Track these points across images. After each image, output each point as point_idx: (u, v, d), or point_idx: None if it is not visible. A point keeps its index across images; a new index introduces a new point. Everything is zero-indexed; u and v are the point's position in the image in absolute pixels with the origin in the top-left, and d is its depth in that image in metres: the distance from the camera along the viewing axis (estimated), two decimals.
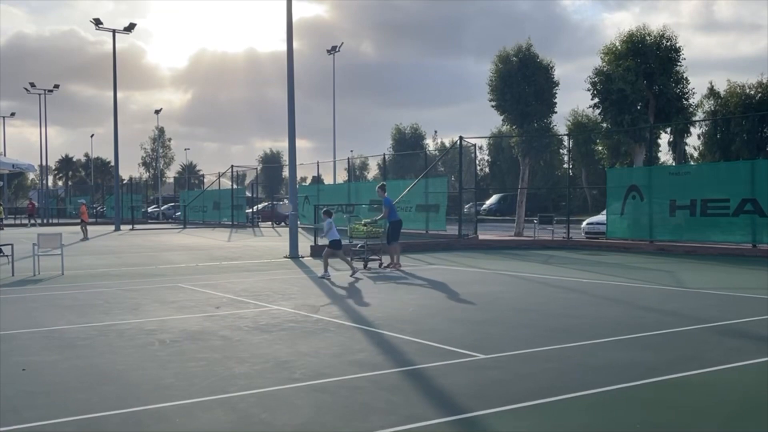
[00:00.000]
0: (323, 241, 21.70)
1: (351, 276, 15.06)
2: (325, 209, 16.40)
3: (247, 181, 51.54)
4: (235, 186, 46.69)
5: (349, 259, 15.83)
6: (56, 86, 65.42)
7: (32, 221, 49.50)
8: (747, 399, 5.77)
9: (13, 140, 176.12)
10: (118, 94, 44.13)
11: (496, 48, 40.98)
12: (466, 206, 29.88)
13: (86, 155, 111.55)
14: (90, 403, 5.76)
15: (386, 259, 17.37)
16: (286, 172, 43.50)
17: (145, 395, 5.98)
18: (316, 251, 20.99)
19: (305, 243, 22.13)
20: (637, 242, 22.08)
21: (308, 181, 75.31)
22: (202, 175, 67.62)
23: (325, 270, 14.92)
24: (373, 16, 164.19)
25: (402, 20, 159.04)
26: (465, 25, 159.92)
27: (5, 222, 49.40)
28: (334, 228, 15.41)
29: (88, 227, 34.95)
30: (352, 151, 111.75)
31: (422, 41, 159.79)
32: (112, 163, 48.25)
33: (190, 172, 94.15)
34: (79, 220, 35.95)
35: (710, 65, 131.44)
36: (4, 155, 49.31)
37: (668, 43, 27.65)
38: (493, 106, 29.93)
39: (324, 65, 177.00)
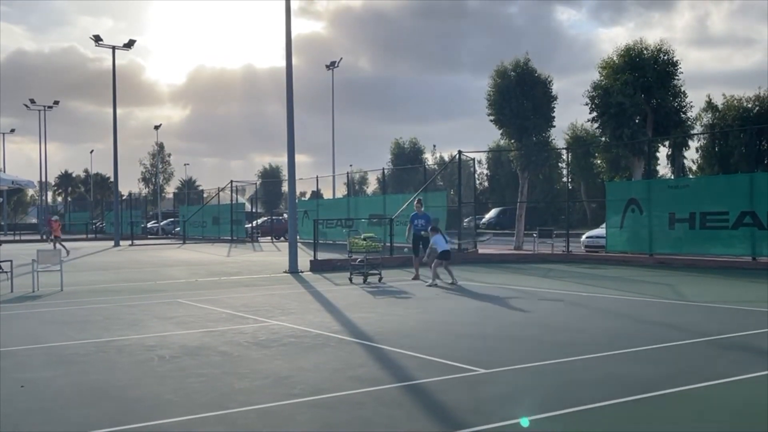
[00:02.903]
0: (322, 256, 21.77)
1: (451, 284, 15.97)
2: (431, 227, 17.45)
3: (247, 196, 51.56)
4: (234, 201, 46.71)
5: (449, 270, 16.62)
6: (56, 102, 65.70)
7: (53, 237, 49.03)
8: (748, 413, 5.75)
9: (13, 156, 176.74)
10: (118, 110, 44.28)
11: (493, 63, 41.21)
12: (466, 220, 29.85)
13: (86, 171, 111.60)
14: (89, 420, 5.74)
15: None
16: (285, 187, 43.55)
17: (144, 411, 5.96)
18: (315, 266, 20.99)
19: (305, 258, 22.10)
20: (636, 255, 22.07)
21: (308, 195, 75.32)
22: (202, 191, 67.65)
23: (452, 277, 16.30)
24: (370, 33, 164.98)
25: (399, 36, 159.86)
26: (461, 41, 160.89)
27: (4, 239, 49.35)
28: (440, 241, 16.68)
29: (66, 243, 33.30)
30: (351, 165, 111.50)
31: (419, 57, 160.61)
32: (112, 179, 48.29)
33: (189, 187, 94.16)
34: (51, 237, 33.28)
35: (705, 79, 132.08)
36: (4, 171, 49.28)
37: (665, 57, 27.81)
38: (491, 121, 30.05)
39: (322, 81, 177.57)
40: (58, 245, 30.55)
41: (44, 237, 47.79)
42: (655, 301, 12.91)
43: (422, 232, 17.93)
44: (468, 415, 5.67)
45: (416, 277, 17.56)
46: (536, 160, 30.50)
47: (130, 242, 42.93)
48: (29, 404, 6.29)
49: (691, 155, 43.74)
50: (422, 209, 18.86)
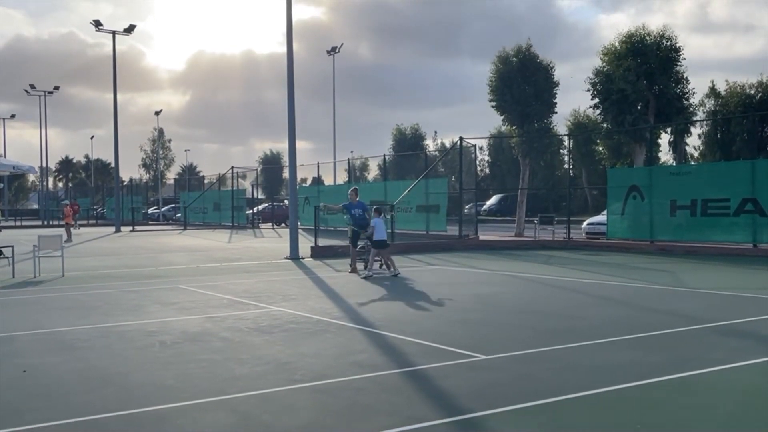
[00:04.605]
0: (323, 242, 21.77)
1: (349, 273, 15.05)
2: (375, 207, 16.23)
3: (248, 182, 51.53)
4: (235, 187, 46.68)
5: (384, 259, 15.80)
6: (56, 88, 65.51)
7: (75, 222, 48.79)
8: (748, 399, 5.76)
9: (14, 142, 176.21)
10: (118, 96, 44.14)
11: (493, 50, 40.90)
12: (467, 207, 29.83)
13: (86, 157, 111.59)
14: (91, 405, 5.75)
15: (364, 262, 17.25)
16: (286, 173, 43.55)
17: (145, 397, 5.98)
18: (316, 252, 21.00)
19: (305, 244, 22.12)
20: (637, 242, 22.07)
21: (308, 182, 75.35)
22: (203, 177, 67.60)
23: (370, 269, 15.19)
24: (370, 19, 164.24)
25: (398, 23, 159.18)
26: (461, 28, 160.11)
27: (5, 224, 49.37)
28: (379, 227, 15.50)
29: (73, 229, 34.00)
30: (352, 152, 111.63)
31: (419, 43, 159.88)
32: (113, 165, 48.23)
33: (190, 173, 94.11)
34: (63, 223, 34.22)
35: (706, 66, 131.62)
36: (5, 157, 49.21)
37: (668, 43, 27.65)
38: (493, 107, 29.95)
39: (322, 67, 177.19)
40: (66, 231, 31.30)
41: (78, 224, 47.78)
42: (656, 288, 12.92)
43: (367, 228, 16.07)
44: (468, 401, 5.68)
45: (354, 270, 16.38)
46: (538, 147, 30.42)
47: (131, 228, 42.96)
48: (31, 389, 6.31)
49: (693, 142, 43.73)
50: (357, 198, 16.85)
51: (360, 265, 16.66)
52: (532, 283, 14.09)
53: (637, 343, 7.93)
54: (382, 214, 15.72)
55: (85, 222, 52.24)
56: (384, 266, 16.89)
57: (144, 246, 27.60)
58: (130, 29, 42.99)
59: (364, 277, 14.96)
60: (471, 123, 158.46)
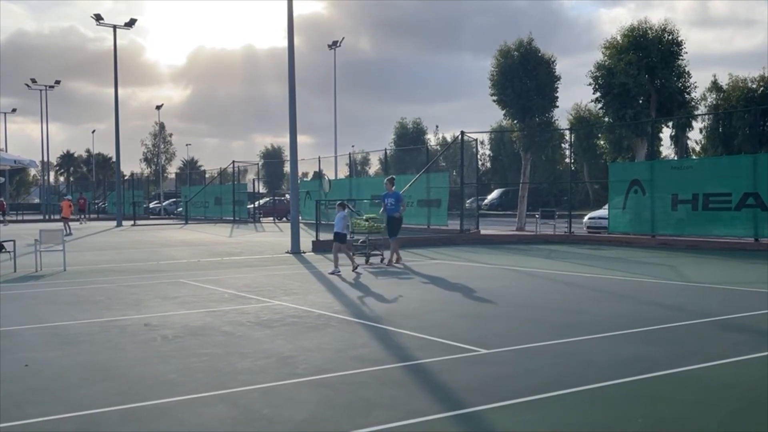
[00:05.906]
0: (324, 237, 21.77)
1: (352, 270, 15.02)
2: (339, 202, 16.13)
3: (249, 177, 51.52)
4: (236, 181, 46.65)
5: (351, 253, 15.77)
6: (57, 82, 65.48)
7: (83, 216, 48.82)
8: (749, 393, 5.75)
9: (15, 136, 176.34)
10: (119, 91, 44.12)
11: (494, 44, 41.09)
12: (468, 201, 29.81)
13: (87, 151, 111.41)
14: (92, 399, 5.76)
15: (387, 254, 17.26)
16: (287, 168, 43.53)
17: (146, 391, 5.98)
18: (317, 246, 21.01)
19: (307, 238, 22.12)
20: (639, 237, 22.06)
21: (310, 176, 75.29)
22: (204, 171, 67.56)
23: (335, 266, 14.95)
24: (371, 13, 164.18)
25: (399, 17, 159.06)
26: (462, 22, 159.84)
27: (8, 219, 49.39)
28: (341, 221, 15.36)
29: (71, 224, 34.31)
30: (353, 146, 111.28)
31: (419, 38, 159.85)
32: (114, 159, 48.22)
33: (191, 167, 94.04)
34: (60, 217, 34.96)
35: (707, 60, 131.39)
36: (6, 151, 49.17)
37: (670, 37, 27.58)
38: (494, 101, 29.92)
39: (322, 62, 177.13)
40: (67, 224, 31.52)
41: (85, 217, 47.91)
42: (657, 282, 12.91)
43: (395, 214, 17.10)
44: (470, 395, 5.68)
45: (398, 260, 16.83)
46: (539, 141, 30.41)
47: (132, 222, 42.97)
48: (33, 383, 6.32)
49: (695, 136, 43.60)
50: (393, 188, 17.85)
51: (360, 259, 16.67)
52: (534, 277, 14.09)
53: (637, 337, 7.93)
54: (346, 209, 15.67)
55: (61, 217, 52.12)
56: (383, 260, 16.90)
57: (145, 240, 27.61)
58: (130, 23, 42.99)
59: (331, 272, 14.74)
60: (472, 117, 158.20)
